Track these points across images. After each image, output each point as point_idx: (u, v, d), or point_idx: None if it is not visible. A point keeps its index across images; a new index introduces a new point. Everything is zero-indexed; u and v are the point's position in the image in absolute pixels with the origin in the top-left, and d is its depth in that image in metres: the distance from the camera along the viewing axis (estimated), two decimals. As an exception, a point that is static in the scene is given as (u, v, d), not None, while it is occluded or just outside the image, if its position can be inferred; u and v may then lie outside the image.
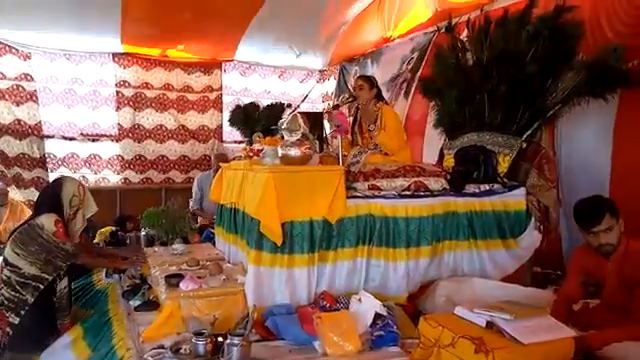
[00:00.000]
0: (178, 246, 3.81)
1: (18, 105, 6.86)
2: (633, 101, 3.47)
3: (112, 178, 7.48)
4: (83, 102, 7.28)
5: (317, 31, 7.19)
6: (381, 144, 3.86)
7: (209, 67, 7.92)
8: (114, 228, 5.05)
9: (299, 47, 7.70)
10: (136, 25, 6.56)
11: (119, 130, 7.45)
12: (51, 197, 3.36)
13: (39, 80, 6.99)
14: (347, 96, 4.28)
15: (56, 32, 6.61)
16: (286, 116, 6.16)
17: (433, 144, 4.61)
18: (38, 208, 3.35)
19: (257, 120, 6.79)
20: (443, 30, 4.23)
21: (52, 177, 6.92)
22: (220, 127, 8.00)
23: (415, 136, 5.53)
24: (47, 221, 3.15)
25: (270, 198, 2.76)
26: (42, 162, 7.00)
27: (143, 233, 4.45)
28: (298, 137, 2.96)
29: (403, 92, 6.21)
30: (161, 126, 7.71)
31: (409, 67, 6.20)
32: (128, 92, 7.46)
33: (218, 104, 8.01)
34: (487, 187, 3.40)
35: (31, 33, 6.60)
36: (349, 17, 6.92)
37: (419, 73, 5.79)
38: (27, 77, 6.90)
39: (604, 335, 2.33)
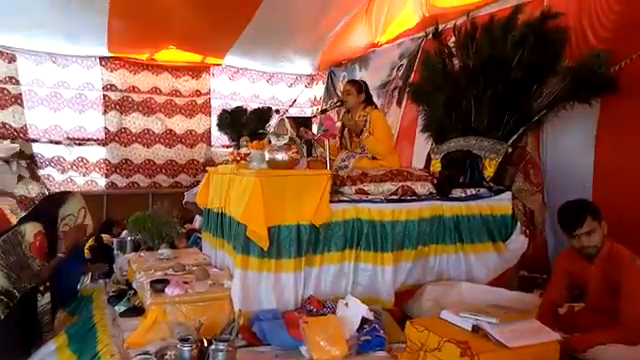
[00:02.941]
0: (164, 251, 3.77)
1: (3, 108, 6.78)
2: (614, 105, 3.52)
3: (99, 182, 7.41)
4: (69, 105, 7.20)
5: (307, 36, 7.20)
6: (370, 149, 3.85)
7: (197, 71, 7.89)
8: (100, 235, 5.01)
9: (288, 52, 7.71)
10: (123, 33, 6.52)
11: (105, 134, 7.38)
12: (49, 207, 3.29)
13: (24, 83, 6.91)
14: (335, 101, 4.28)
15: (42, 36, 6.56)
16: (273, 120, 6.15)
17: (423, 152, 4.62)
18: (30, 213, 3.29)
19: (244, 124, 6.76)
20: (430, 36, 4.25)
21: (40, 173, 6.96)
22: (208, 131, 7.96)
23: (407, 144, 5.54)
24: (30, 230, 3.07)
25: (256, 202, 2.75)
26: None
27: (129, 238, 4.40)
28: (285, 141, 2.95)
29: (395, 100, 6.21)
30: (148, 130, 7.65)
31: (399, 74, 6.22)
32: (115, 96, 7.40)
33: (206, 108, 7.97)
34: (473, 191, 3.43)
35: (16, 36, 6.53)
36: (340, 24, 6.93)
37: (410, 81, 5.80)
38: (12, 80, 6.82)
39: (588, 338, 2.35)
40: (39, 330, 3.11)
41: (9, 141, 6.73)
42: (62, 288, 3.46)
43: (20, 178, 6.71)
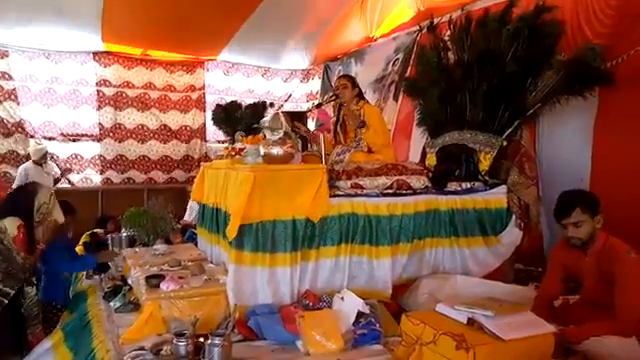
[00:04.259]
0: (159, 246, 3.76)
1: (-1, 103, 6.75)
2: (612, 100, 3.53)
3: (94, 178, 7.39)
4: (63, 101, 7.17)
5: (302, 31, 7.18)
6: (369, 142, 3.83)
7: (192, 66, 7.86)
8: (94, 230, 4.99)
9: (283, 47, 7.69)
10: (117, 26, 6.48)
11: (100, 130, 7.36)
12: (25, 199, 3.24)
13: (18, 79, 6.87)
14: (330, 95, 4.26)
15: (35, 30, 6.50)
16: (268, 115, 6.13)
17: (420, 146, 4.60)
18: (6, 207, 3.23)
19: (239, 119, 6.75)
20: (425, 30, 4.25)
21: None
22: (203, 126, 7.95)
23: (404, 138, 5.54)
24: (10, 225, 3.01)
25: (245, 196, 2.74)
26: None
27: (124, 234, 4.39)
28: (280, 136, 2.94)
29: (392, 95, 6.20)
30: (142, 126, 7.63)
31: (395, 68, 6.21)
32: (109, 91, 7.37)
33: (201, 103, 7.95)
34: (469, 185, 3.43)
35: (9, 31, 6.47)
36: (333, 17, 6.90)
37: (406, 75, 5.79)
38: (5, 75, 6.78)
39: (583, 330, 2.35)
40: (26, 322, 3.09)
41: (34, 142, 6.74)
42: (53, 280, 3.48)
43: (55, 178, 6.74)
